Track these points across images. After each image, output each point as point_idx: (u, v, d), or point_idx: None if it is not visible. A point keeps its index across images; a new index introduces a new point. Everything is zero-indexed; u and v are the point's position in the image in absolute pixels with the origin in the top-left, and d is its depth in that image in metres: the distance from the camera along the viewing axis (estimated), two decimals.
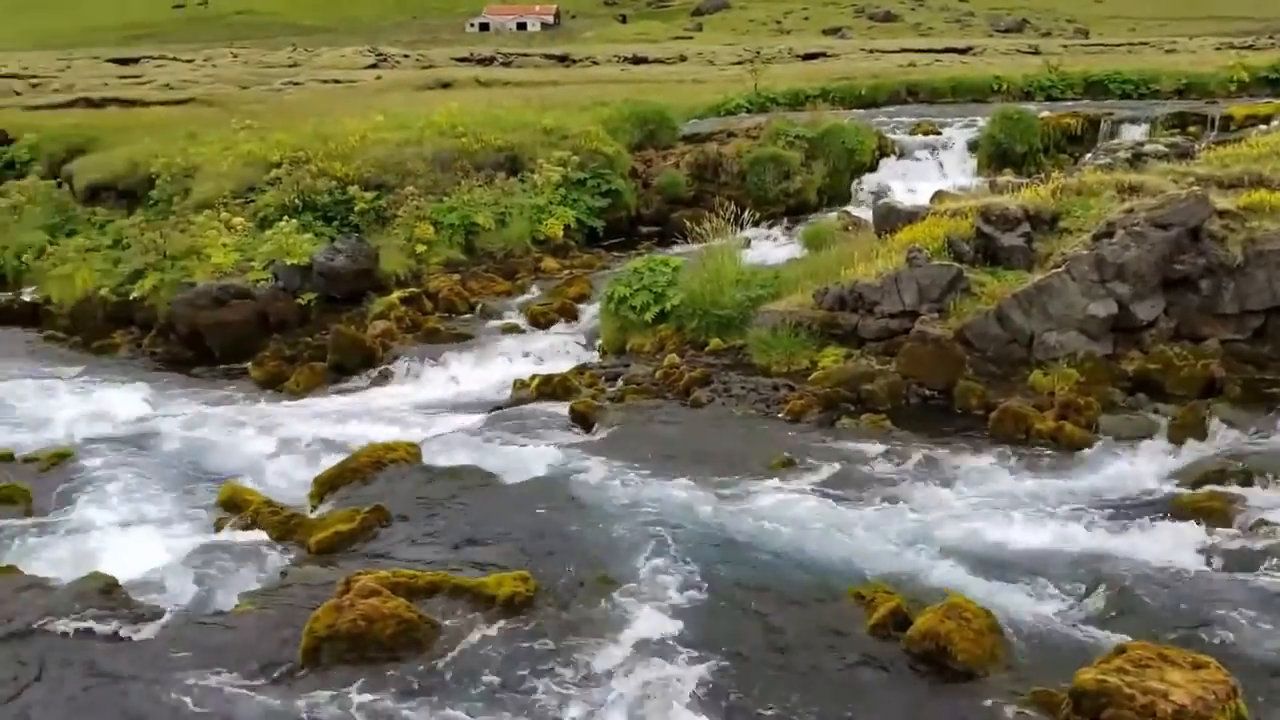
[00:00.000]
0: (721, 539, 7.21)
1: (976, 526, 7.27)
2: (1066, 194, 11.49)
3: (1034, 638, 6.00)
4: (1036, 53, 42.29)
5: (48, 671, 5.78)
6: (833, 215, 17.03)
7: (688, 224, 14.00)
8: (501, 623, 6.27)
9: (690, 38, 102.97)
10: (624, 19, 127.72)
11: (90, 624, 6.23)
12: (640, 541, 7.16)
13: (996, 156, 19.28)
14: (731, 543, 7.17)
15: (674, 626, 6.20)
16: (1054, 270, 10.03)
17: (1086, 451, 8.48)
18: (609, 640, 6.12)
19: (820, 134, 19.44)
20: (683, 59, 58.66)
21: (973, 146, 19.73)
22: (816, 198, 19.05)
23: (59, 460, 9.62)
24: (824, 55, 54.63)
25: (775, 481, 8.10)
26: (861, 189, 19.21)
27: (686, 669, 5.81)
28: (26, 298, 16.24)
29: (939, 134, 20.46)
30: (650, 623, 6.26)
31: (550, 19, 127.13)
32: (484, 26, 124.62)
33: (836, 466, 8.35)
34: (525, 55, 62.50)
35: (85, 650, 5.99)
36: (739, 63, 47.06)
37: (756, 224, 14.44)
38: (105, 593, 6.56)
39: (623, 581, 6.69)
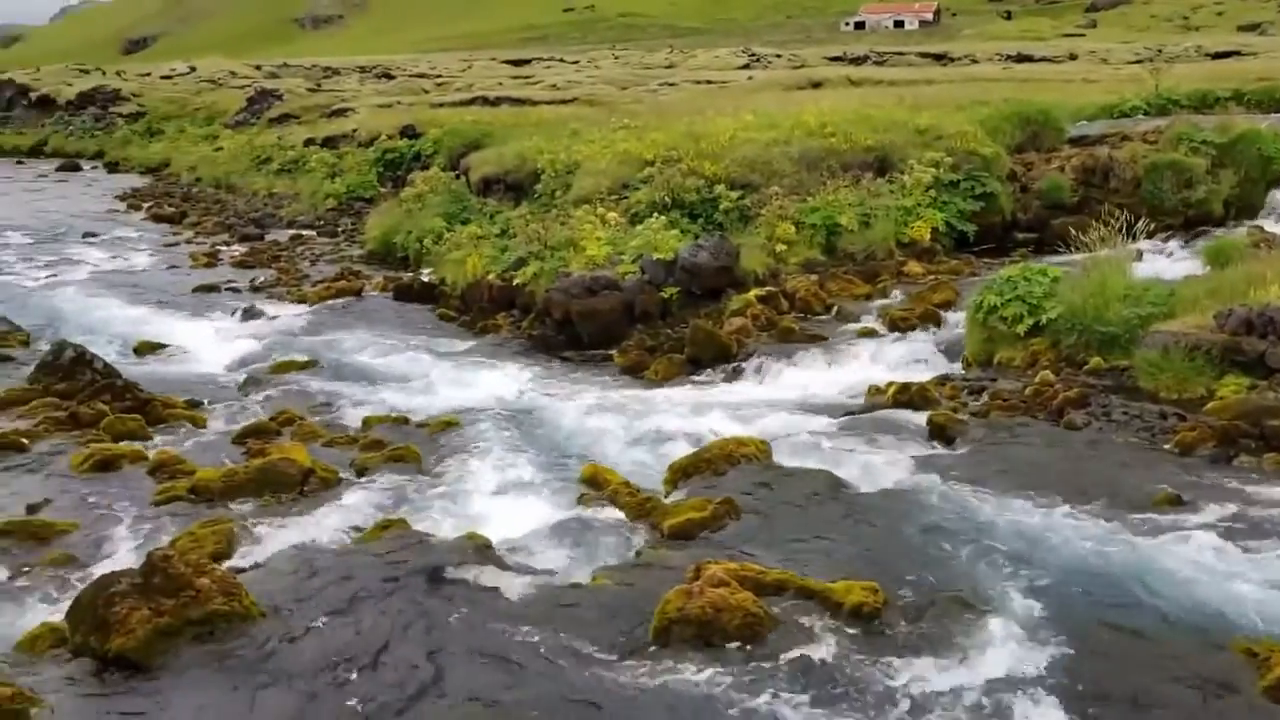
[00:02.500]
0: (1091, 574, 6.66)
1: None
2: None
3: None
4: None
5: (427, 618, 6.28)
6: (1241, 230, 15.34)
7: (1070, 232, 13.10)
8: (846, 630, 6.14)
9: (1082, 35, 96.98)
10: (1009, 15, 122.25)
11: (466, 579, 6.71)
12: (999, 567, 6.76)
13: None
14: (1103, 579, 6.60)
15: (1030, 661, 5.80)
16: None
17: None
18: (957, 665, 5.83)
19: (1231, 140, 17.53)
20: (1072, 57, 55.35)
21: None
22: (1222, 210, 17.18)
23: (445, 427, 10.48)
24: (1238, 54, 49.62)
25: (1157, 518, 7.38)
26: (1278, 203, 17.16)
27: (1039, 710, 5.41)
28: (425, 278, 17.83)
29: None
30: (1004, 654, 5.89)
31: (929, 16, 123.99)
32: (859, 25, 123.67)
33: (1231, 508, 7.48)
34: (900, 54, 61.40)
35: (461, 603, 6.47)
36: (1137, 61, 43.69)
37: (1150, 235, 13.23)
38: (480, 552, 7.06)
39: (977, 606, 6.34)
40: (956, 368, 11.50)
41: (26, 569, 7.44)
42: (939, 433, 9.30)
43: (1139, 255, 13.38)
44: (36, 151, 54.37)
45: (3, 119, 60.33)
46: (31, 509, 8.49)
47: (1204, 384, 9.48)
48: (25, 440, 10.07)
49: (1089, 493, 7.80)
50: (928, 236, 16.04)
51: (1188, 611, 6.20)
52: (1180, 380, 9.55)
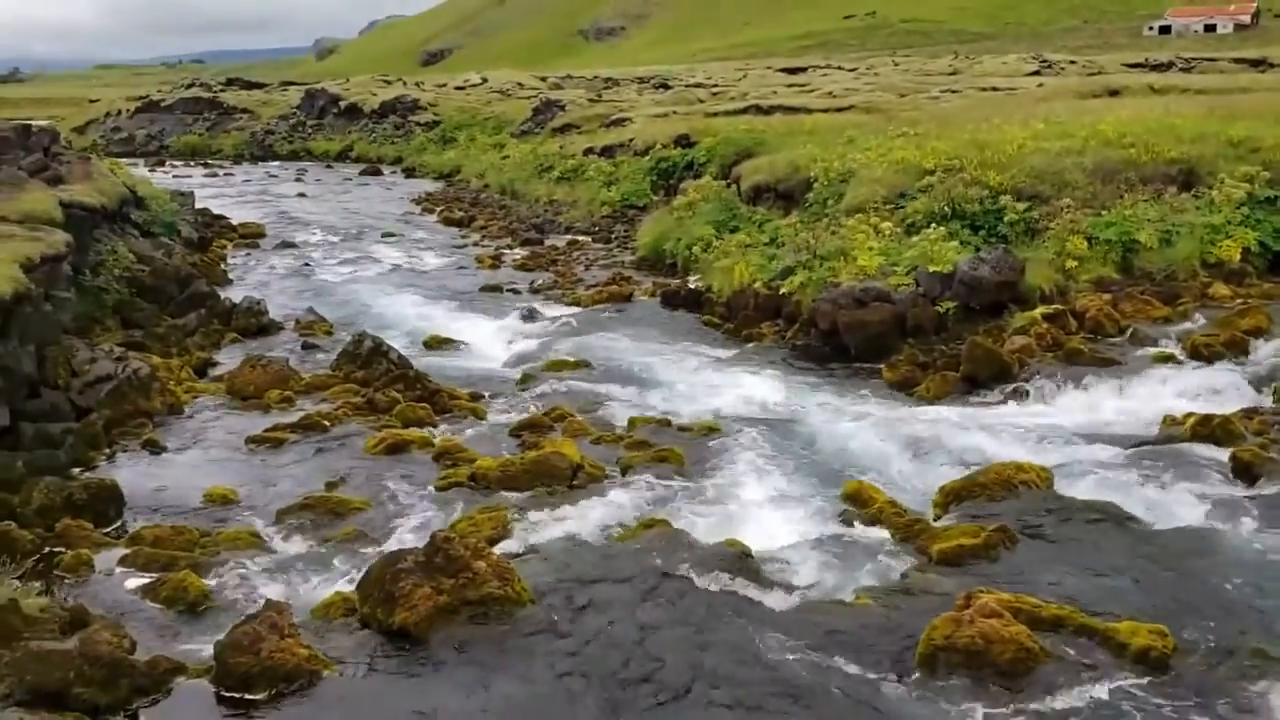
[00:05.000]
0: None
1: None
2: None
3: None
4: None
5: (685, 620, 6.33)
6: None
7: None
8: (1129, 675, 5.72)
9: None
10: None
11: (725, 586, 6.72)
12: None
13: None
14: None
15: None
16: None
17: None
18: None
19: None
20: None
21: None
22: None
23: (707, 431, 10.56)
24: None
25: None
26: None
27: None
28: (692, 285, 18.09)
29: None
30: None
31: (1246, 19, 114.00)
32: (1164, 29, 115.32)
33: None
34: (1210, 60, 56.73)
35: (719, 609, 6.47)
36: None
37: None
38: (739, 559, 7.05)
39: None
40: (1266, 401, 10.48)
41: (323, 541, 8.10)
42: (1244, 470, 8.49)
43: None
44: (343, 156, 59.32)
45: (316, 125, 66.14)
46: (330, 486, 9.27)
47: None
48: (327, 422, 10.99)
49: None
50: (1238, 257, 14.68)
51: None
52: None
